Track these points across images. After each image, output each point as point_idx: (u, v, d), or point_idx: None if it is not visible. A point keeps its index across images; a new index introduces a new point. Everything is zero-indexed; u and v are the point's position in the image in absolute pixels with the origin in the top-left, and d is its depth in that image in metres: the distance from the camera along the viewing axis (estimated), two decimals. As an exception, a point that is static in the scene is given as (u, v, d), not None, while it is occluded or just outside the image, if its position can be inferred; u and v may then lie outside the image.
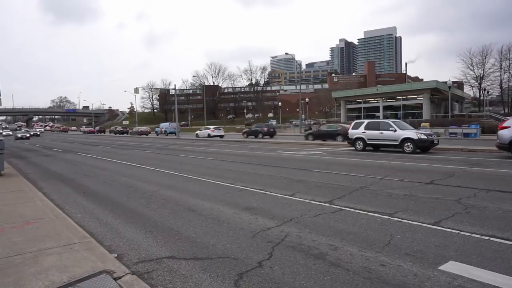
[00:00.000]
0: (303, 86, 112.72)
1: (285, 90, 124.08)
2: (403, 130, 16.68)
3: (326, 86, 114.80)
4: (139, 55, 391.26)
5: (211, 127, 42.72)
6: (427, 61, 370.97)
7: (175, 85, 58.44)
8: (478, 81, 69.25)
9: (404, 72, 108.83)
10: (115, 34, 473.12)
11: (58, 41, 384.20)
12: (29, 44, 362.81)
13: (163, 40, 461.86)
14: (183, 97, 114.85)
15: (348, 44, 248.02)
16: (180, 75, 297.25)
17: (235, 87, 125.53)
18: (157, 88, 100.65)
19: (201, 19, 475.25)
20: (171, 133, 51.68)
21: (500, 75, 68.00)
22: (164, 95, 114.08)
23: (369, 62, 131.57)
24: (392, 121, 17.67)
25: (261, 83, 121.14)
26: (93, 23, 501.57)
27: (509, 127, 13.32)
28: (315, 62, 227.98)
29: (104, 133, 78.03)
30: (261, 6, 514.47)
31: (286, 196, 7.16)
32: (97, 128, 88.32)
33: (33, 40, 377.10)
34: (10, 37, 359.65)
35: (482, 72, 68.49)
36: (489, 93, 70.63)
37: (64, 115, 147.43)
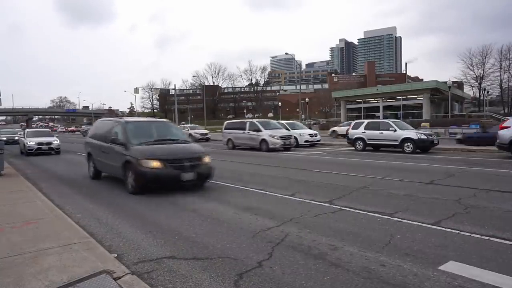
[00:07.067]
0: (303, 86, 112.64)
1: (285, 90, 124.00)
2: (403, 130, 16.70)
3: (326, 86, 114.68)
4: (147, 57, 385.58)
5: None
6: (427, 61, 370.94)
7: (175, 85, 58.63)
8: (478, 81, 69.21)
9: (404, 72, 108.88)
10: (125, 36, 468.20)
11: (62, 43, 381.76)
12: (32, 46, 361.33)
13: (172, 42, 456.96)
14: (183, 97, 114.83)
15: (348, 44, 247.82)
16: (183, 76, 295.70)
17: (235, 87, 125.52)
18: (157, 88, 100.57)
19: (207, 22, 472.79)
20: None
21: (500, 75, 68.06)
22: (164, 95, 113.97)
23: (369, 62, 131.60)
24: (392, 121, 17.70)
25: (261, 83, 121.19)
26: (106, 24, 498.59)
27: (509, 127, 13.32)
28: (315, 62, 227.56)
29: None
30: (268, 10, 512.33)
31: (286, 196, 7.16)
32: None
33: (36, 42, 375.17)
34: (13, 38, 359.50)
35: (482, 72, 68.49)
36: (489, 93, 70.60)
37: (64, 115, 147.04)
